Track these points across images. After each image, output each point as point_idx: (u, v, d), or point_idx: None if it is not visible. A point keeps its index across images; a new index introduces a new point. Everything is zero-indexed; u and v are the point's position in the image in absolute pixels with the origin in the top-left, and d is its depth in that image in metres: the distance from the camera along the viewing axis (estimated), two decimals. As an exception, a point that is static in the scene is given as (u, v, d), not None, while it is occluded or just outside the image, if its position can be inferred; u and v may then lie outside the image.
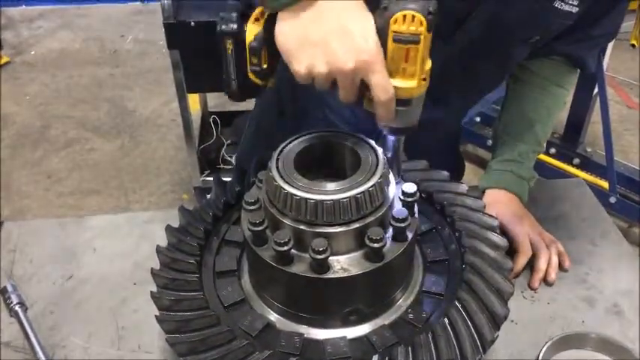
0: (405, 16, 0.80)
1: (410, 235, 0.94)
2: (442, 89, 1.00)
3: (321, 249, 0.86)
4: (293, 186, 0.89)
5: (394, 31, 0.81)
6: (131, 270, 1.28)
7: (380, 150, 0.95)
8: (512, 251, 1.24)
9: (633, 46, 3.24)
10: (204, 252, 1.08)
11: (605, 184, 3.08)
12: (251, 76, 0.93)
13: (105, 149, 3.93)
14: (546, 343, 1.10)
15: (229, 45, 0.91)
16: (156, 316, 0.96)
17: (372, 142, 0.96)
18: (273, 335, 0.95)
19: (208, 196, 1.18)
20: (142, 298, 1.14)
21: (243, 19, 0.91)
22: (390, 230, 0.93)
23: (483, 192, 1.38)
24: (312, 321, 0.97)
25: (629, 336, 1.14)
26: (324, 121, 1.37)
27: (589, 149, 3.35)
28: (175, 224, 1.13)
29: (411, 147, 1.04)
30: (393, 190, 0.95)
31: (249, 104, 1.27)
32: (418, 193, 0.97)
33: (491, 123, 3.39)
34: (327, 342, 0.94)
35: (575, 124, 3.31)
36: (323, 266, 0.89)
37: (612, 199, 3.01)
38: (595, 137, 3.57)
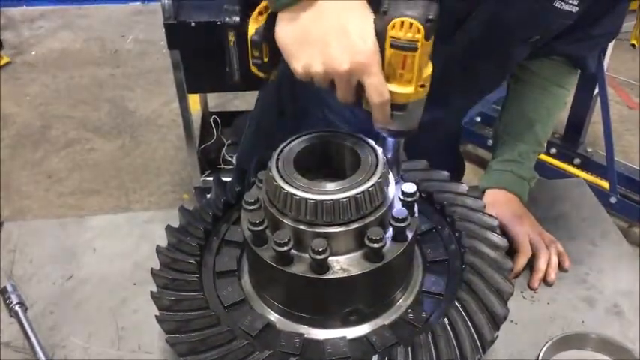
0: (402, 23, 0.79)
1: (410, 235, 0.94)
2: (442, 89, 1.00)
3: (320, 249, 0.86)
4: (293, 186, 0.89)
5: (392, 37, 0.80)
6: (131, 270, 1.28)
7: (380, 150, 0.95)
8: (512, 251, 1.24)
9: (633, 46, 3.23)
10: (204, 252, 1.08)
11: (605, 184, 3.08)
12: (253, 68, 0.92)
13: (105, 149, 3.93)
14: (546, 343, 1.10)
15: (232, 37, 0.91)
16: (156, 316, 0.96)
17: (372, 142, 0.96)
18: (273, 335, 0.95)
19: (208, 196, 1.18)
20: (142, 298, 1.14)
21: (248, 10, 0.90)
22: (390, 230, 0.93)
23: (483, 192, 1.38)
24: (312, 321, 0.97)
25: (629, 336, 1.14)
26: (324, 121, 1.37)
27: (589, 149, 3.34)
28: (175, 224, 1.13)
29: (411, 147, 1.03)
30: (393, 190, 0.95)
31: (249, 104, 1.27)
32: (418, 193, 0.96)
33: (491, 123, 3.39)
34: (327, 342, 0.94)
35: (576, 125, 3.31)
36: (323, 266, 0.89)
37: (612, 199, 3.01)
38: (595, 137, 3.57)
